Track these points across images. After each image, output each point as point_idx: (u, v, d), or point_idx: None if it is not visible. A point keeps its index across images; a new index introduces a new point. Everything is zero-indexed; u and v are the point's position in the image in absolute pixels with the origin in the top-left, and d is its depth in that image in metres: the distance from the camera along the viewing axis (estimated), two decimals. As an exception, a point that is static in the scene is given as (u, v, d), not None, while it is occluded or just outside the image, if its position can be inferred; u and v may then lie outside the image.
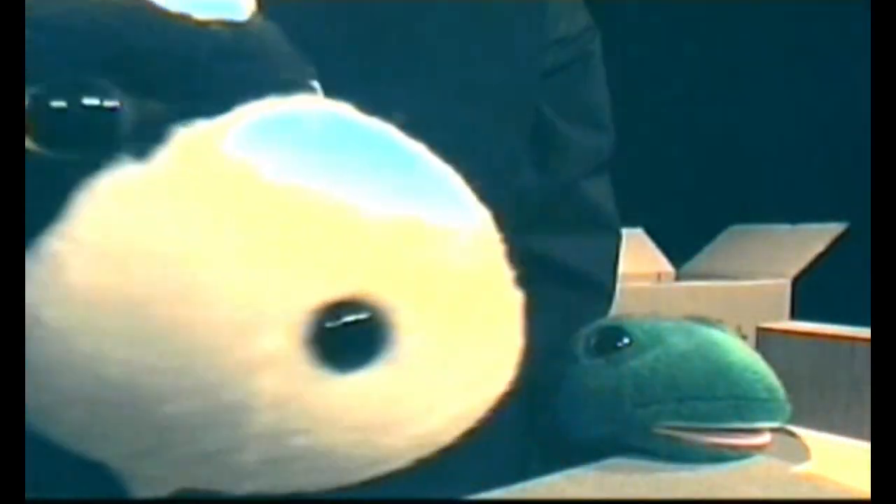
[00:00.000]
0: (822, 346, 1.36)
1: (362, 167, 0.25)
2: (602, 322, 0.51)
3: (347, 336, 0.23)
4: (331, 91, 0.46)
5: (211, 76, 0.27)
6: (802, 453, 0.46)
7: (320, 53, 0.46)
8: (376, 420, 0.24)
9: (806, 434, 0.49)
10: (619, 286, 0.62)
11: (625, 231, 0.63)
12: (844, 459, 0.47)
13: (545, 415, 0.51)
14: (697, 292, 1.63)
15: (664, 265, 1.96)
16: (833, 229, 1.83)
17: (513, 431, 0.54)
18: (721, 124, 2.09)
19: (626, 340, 0.47)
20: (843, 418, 1.30)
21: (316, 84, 0.34)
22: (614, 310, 0.61)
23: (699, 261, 2.01)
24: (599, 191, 0.61)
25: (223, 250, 0.22)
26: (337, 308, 0.22)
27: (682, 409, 0.44)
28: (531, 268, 0.58)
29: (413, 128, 0.48)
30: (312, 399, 0.23)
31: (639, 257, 1.87)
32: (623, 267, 0.63)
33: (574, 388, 0.48)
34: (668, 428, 0.44)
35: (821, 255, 1.78)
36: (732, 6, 1.99)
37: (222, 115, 0.25)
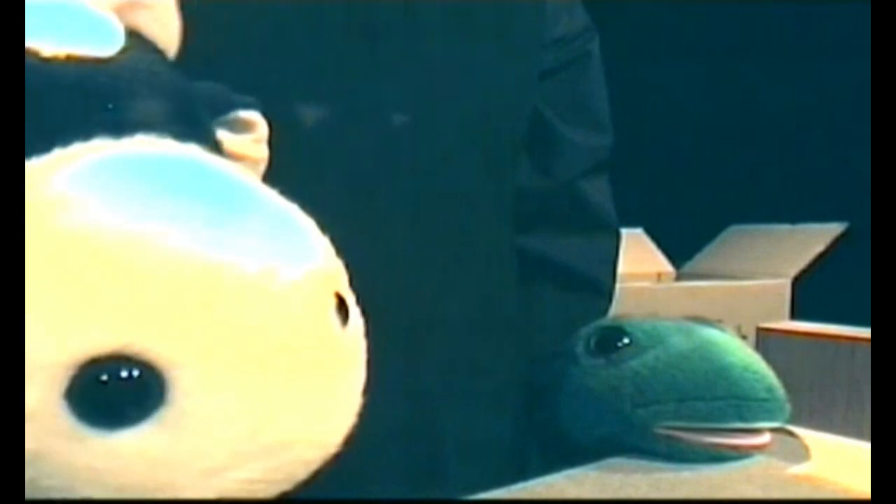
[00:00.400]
0: (822, 346, 1.36)
1: (177, 211, 0.24)
2: (602, 322, 0.51)
3: (113, 392, 0.22)
4: (330, 93, 0.46)
5: (35, 115, 0.25)
6: (802, 453, 0.46)
7: (317, 55, 0.46)
8: (144, 483, 0.22)
9: (806, 434, 0.49)
10: (619, 286, 0.62)
11: (625, 231, 0.63)
12: (844, 459, 0.47)
13: (545, 415, 0.51)
14: (697, 292, 1.63)
15: (664, 265, 1.96)
16: (833, 229, 1.83)
17: (513, 431, 0.54)
18: (721, 124, 2.09)
19: (626, 340, 0.47)
20: (843, 418, 1.30)
21: (251, 114, 0.33)
22: (614, 310, 0.61)
23: (699, 261, 2.01)
24: (598, 191, 0.61)
25: None
26: (106, 362, 0.21)
27: (682, 410, 0.44)
28: (531, 268, 0.58)
29: (412, 128, 0.49)
30: (70, 457, 0.22)
31: (639, 257, 1.87)
32: (623, 267, 0.63)
33: (574, 388, 0.48)
34: (668, 428, 0.44)
35: (821, 255, 1.78)
36: (733, 5, 1.99)
37: (42, 154, 0.25)
